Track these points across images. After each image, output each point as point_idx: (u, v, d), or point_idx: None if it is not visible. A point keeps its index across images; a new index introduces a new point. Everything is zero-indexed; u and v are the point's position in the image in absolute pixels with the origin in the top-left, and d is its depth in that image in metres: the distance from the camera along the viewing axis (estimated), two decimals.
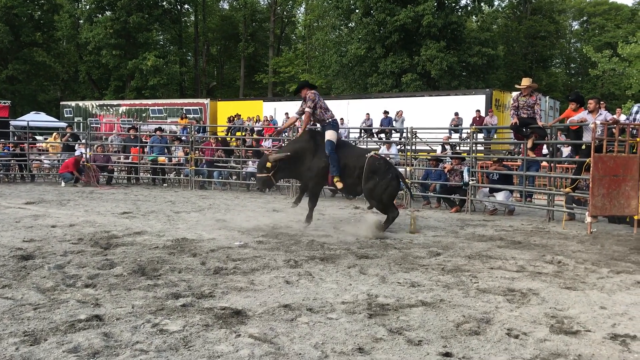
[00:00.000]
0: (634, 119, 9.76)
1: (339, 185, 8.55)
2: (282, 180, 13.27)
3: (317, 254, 6.89)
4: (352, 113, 25.99)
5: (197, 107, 32.19)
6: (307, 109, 8.72)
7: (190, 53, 51.31)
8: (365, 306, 4.75)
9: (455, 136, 21.59)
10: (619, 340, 4.05)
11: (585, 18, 48.95)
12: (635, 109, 10.06)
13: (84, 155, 16.63)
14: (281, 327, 4.20)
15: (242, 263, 6.32)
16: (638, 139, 8.67)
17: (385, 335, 4.06)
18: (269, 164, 8.65)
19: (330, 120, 8.83)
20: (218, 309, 4.58)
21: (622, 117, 15.01)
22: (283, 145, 14.71)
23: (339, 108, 26.81)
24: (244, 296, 4.99)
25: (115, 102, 37.39)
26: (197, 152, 16.46)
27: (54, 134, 20.05)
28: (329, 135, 8.62)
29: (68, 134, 19.14)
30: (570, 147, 11.62)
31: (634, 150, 8.87)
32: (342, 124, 23.56)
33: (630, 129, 9.18)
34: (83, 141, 18.05)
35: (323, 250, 7.21)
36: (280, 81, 47.02)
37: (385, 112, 23.16)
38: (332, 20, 37.55)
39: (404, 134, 16.04)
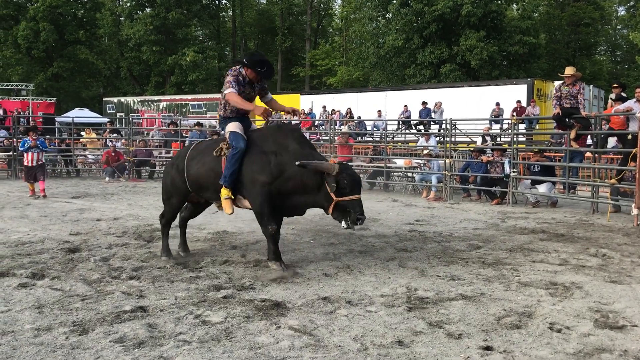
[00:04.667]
0: None
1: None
2: None
3: (355, 247, 6.91)
4: (389, 105, 25.82)
5: None
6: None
7: (228, 48, 51.75)
8: (405, 299, 4.74)
9: (495, 127, 21.23)
10: None
11: (632, 3, 47.22)
12: None
13: (115, 146, 16.96)
14: (320, 319, 4.24)
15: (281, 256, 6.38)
16: None
17: (425, 329, 4.05)
18: None
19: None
20: (258, 300, 4.64)
21: None
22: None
23: (376, 100, 26.73)
24: (284, 288, 5.04)
25: (155, 98, 38.08)
26: None
27: (86, 129, 20.45)
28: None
29: (108, 130, 19.58)
30: (615, 138, 11.26)
31: None
32: (379, 115, 23.46)
33: None
34: (124, 136, 18.46)
35: (362, 243, 7.22)
36: (317, 74, 46.99)
37: (424, 103, 22.90)
38: (369, 12, 37.25)
39: (443, 126, 15.88)
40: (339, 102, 27.35)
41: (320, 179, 5.28)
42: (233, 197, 5.69)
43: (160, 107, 35.80)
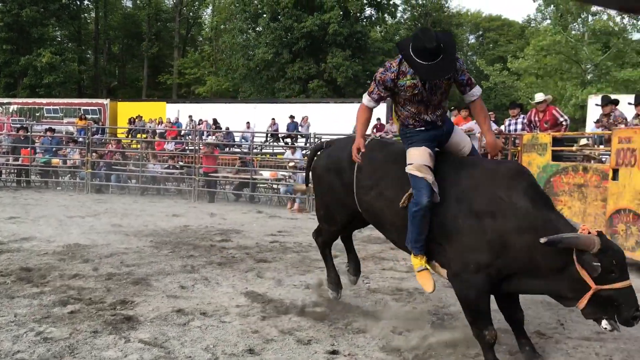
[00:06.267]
0: (508, 131, 10.55)
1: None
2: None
3: (215, 259, 6.89)
4: (258, 117, 25.99)
5: (96, 108, 30.81)
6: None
7: (89, 51, 49.07)
8: (260, 309, 4.84)
9: None
10: None
11: (480, 32, 51.88)
12: (507, 122, 10.93)
13: None
14: (173, 331, 4.20)
15: (137, 268, 6.21)
16: (519, 148, 9.37)
17: (276, 336, 4.17)
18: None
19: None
20: (108, 315, 4.49)
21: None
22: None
23: (245, 111, 26.79)
24: (137, 302, 4.92)
25: (5, 100, 35.01)
26: (94, 154, 15.81)
27: None
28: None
29: None
30: None
31: (515, 158, 9.57)
32: (248, 127, 23.53)
33: (512, 139, 9.90)
34: None
35: (222, 254, 7.22)
36: (186, 83, 46.06)
37: (291, 117, 23.38)
38: (239, 24, 37.33)
39: (309, 139, 16.33)
40: (207, 112, 27.01)
41: (567, 258, 3.41)
42: (428, 267, 4.01)
43: (10, 111, 32.99)
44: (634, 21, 27.82)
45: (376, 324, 4.51)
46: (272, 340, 4.07)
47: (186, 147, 17.74)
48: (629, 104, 9.52)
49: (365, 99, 4.04)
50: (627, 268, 3.45)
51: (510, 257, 3.55)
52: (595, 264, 3.30)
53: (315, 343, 4.06)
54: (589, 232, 3.39)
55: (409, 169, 3.83)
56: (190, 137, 21.61)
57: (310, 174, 4.83)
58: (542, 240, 3.33)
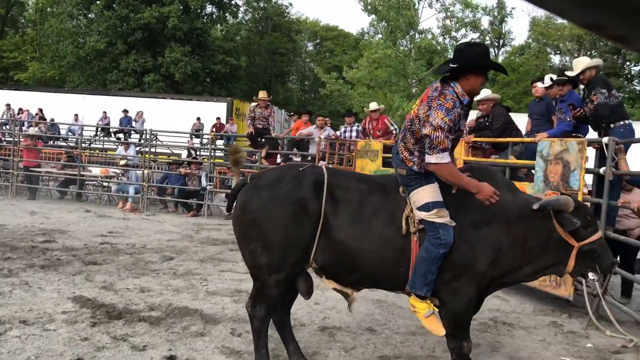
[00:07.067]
0: (344, 137, 11.08)
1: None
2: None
3: (37, 262, 6.33)
4: (88, 109, 24.32)
5: None
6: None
7: None
8: (89, 315, 4.54)
9: (196, 141, 21.75)
10: (327, 332, 4.57)
11: (318, 41, 53.78)
12: (342, 129, 11.44)
13: None
14: None
15: None
16: (353, 154, 9.88)
17: (108, 343, 3.94)
18: None
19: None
20: None
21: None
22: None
23: (73, 102, 24.94)
24: None
25: None
26: None
27: None
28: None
29: None
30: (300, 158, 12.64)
31: (350, 164, 10.08)
32: (75, 120, 21.92)
33: (348, 145, 10.41)
34: None
35: (45, 257, 6.65)
36: (4, 67, 41.60)
37: (125, 111, 22.23)
38: (68, 8, 34.61)
39: (144, 135, 15.67)
40: (28, 100, 24.67)
41: (550, 227, 3.48)
42: (435, 309, 3.55)
43: None
44: (454, 42, 30.77)
45: (215, 326, 4.47)
46: (104, 348, 3.84)
47: (3, 138, 16.08)
48: None
49: (443, 158, 3.29)
50: (595, 220, 3.70)
51: (502, 255, 3.47)
52: (575, 220, 3.41)
53: (151, 348, 3.91)
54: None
55: (420, 198, 3.39)
56: (8, 127, 19.64)
57: (239, 216, 3.64)
58: (535, 206, 3.39)
